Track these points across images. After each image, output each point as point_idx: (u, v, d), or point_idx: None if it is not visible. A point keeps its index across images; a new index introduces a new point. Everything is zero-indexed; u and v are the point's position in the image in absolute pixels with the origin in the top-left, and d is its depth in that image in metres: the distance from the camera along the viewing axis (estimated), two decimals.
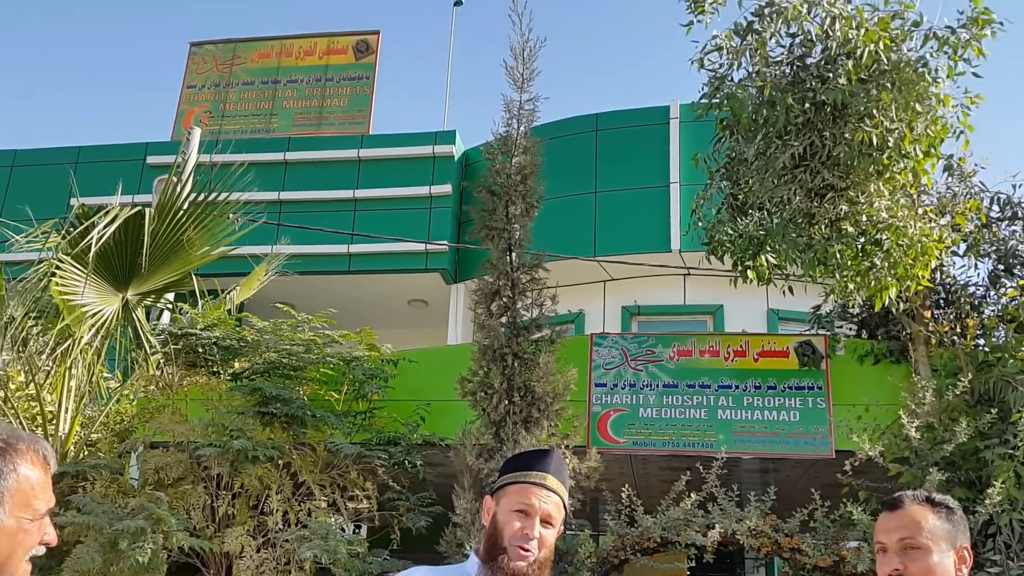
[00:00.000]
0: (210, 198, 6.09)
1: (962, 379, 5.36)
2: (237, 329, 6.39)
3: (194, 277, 6.30)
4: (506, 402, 5.66)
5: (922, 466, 5.16)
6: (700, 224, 6.06)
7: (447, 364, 6.53)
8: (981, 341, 5.98)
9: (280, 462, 5.71)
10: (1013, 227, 6.27)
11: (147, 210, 5.87)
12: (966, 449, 5.22)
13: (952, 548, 2.17)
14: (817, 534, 5.34)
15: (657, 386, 6.66)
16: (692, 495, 5.44)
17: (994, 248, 6.24)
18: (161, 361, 6.16)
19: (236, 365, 6.36)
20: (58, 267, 5.74)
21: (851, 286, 5.28)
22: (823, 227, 5.44)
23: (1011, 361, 5.37)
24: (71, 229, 5.92)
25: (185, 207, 6.03)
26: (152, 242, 5.77)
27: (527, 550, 2.27)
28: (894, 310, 5.76)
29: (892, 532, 2.20)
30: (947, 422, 5.31)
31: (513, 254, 5.83)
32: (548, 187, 6.17)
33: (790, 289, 6.99)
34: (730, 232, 5.78)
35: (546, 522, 2.30)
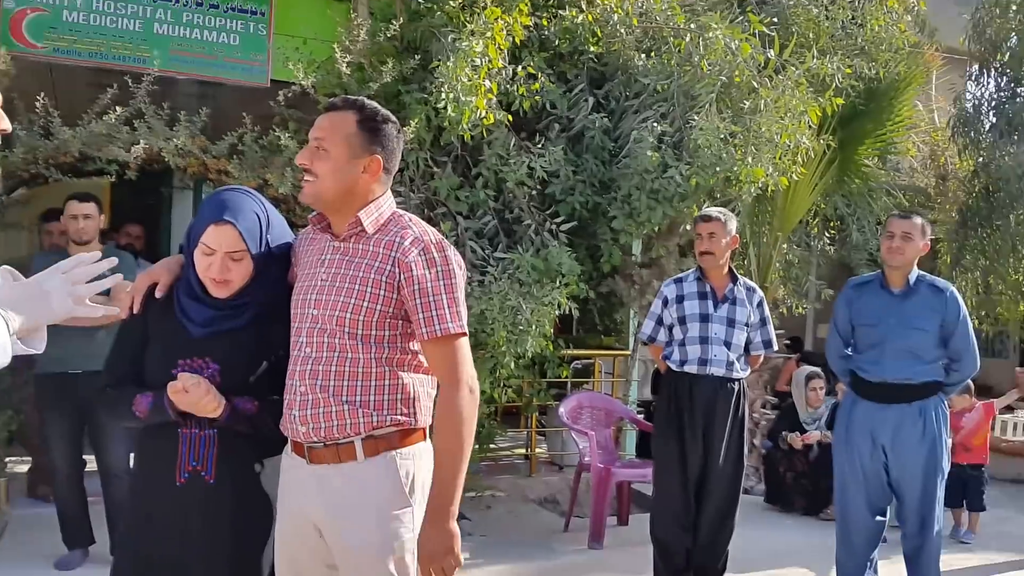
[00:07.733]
0: None
1: (394, 24, 5.67)
2: None
3: None
4: None
5: None
6: None
7: None
8: None
9: None
10: None
11: None
12: (390, 91, 5.64)
13: (363, 155, 2.26)
14: (245, 158, 5.43)
15: None
16: (118, 109, 5.08)
17: None
18: None
19: None
20: None
21: None
22: None
23: (439, 13, 5.77)
24: None
25: None
26: None
27: None
28: None
29: (314, 130, 2.27)
30: (376, 64, 5.63)
31: None
32: None
33: None
34: None
35: None
